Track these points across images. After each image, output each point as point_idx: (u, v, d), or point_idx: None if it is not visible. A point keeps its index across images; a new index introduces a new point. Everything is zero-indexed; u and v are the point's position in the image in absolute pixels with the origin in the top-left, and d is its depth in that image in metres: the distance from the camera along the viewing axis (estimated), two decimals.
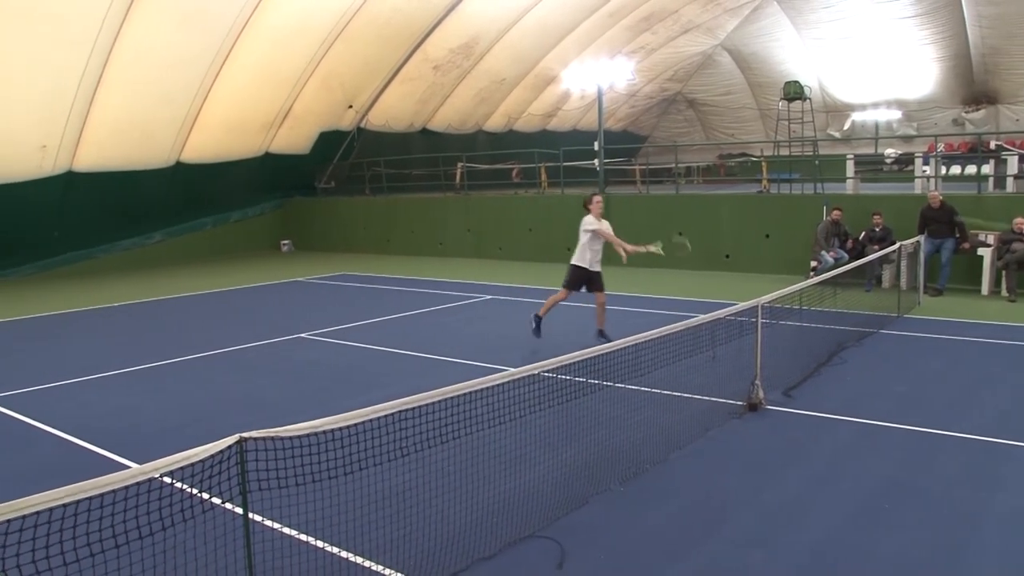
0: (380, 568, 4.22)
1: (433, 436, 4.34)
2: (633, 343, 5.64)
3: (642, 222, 16.81)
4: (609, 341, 6.18)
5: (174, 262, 21.09)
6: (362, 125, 25.60)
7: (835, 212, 13.88)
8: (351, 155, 25.62)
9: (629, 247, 9.55)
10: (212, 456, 3.27)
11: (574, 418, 6.18)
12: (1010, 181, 15.90)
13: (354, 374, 8.85)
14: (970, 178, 17.85)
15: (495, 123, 31.10)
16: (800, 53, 32.70)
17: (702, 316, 6.56)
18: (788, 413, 6.87)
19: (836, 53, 31.79)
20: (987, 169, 17.32)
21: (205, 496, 3.43)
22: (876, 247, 12.81)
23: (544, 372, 4.90)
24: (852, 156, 18.85)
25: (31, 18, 14.73)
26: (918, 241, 12.36)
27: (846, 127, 33.95)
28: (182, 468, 3.15)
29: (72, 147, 17.83)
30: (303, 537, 4.50)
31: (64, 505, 2.79)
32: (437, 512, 4.78)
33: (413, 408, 4.05)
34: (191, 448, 3.21)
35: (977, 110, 31.07)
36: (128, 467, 4.41)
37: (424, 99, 26.50)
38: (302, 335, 10.94)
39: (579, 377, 5.56)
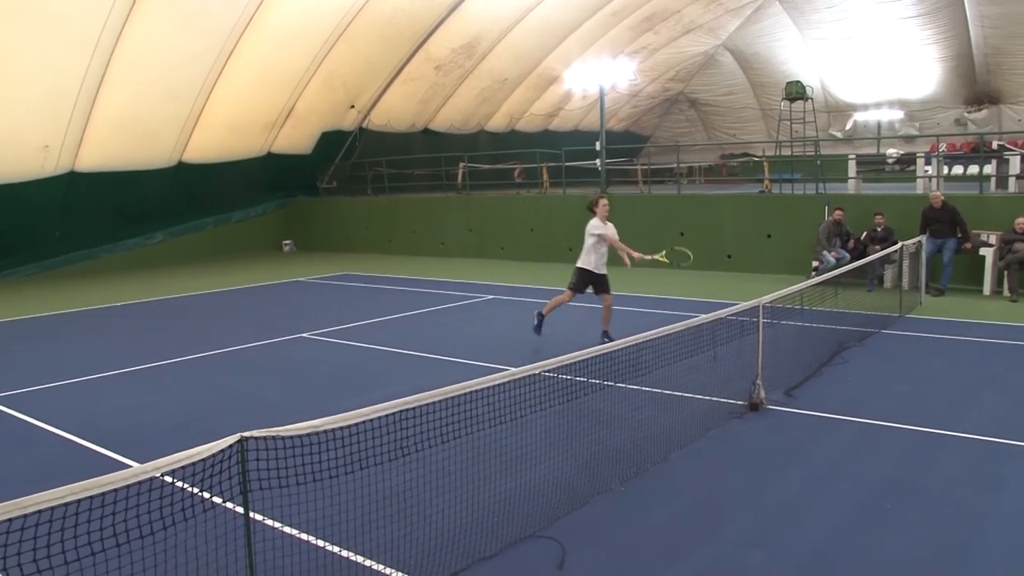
0: (381, 567, 4.22)
1: (434, 436, 4.34)
2: (634, 343, 5.64)
3: (644, 222, 16.81)
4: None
5: (176, 262, 21.12)
6: (364, 125, 25.61)
7: (837, 212, 13.87)
8: (353, 155, 25.63)
9: (635, 254, 9.53)
10: (213, 455, 3.27)
11: (575, 418, 6.18)
12: (1012, 181, 15.88)
13: (355, 374, 8.85)
14: (972, 178, 17.84)
15: (497, 123, 31.11)
16: (802, 53, 32.68)
17: (703, 316, 6.56)
18: (789, 413, 6.87)
19: (838, 53, 31.76)
20: (989, 169, 17.31)
21: (206, 495, 3.43)
22: (878, 247, 12.80)
23: (545, 372, 4.90)
24: (854, 156, 18.85)
25: (33, 18, 14.75)
26: (920, 241, 12.35)
27: (848, 127, 33.92)
28: (183, 467, 3.16)
29: (74, 147, 17.86)
30: (304, 536, 4.51)
31: (65, 504, 2.80)
32: (438, 512, 4.78)
33: (414, 408, 4.05)
34: (192, 447, 3.22)
35: (979, 110, 31.04)
36: (129, 466, 4.40)
37: (426, 99, 26.51)
38: (303, 335, 10.95)
39: (580, 377, 5.56)
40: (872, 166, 24.78)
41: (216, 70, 18.77)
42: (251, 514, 3.54)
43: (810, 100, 25.94)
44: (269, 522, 4.60)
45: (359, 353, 9.84)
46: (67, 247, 19.62)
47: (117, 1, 15.32)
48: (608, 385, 6.05)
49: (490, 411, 4.64)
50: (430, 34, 23.24)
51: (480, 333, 10.96)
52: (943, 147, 20.45)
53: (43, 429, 6.98)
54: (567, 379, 5.36)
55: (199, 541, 3.89)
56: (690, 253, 10.41)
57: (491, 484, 5.09)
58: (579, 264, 9.64)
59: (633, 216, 16.80)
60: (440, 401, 4.20)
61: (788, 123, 25.13)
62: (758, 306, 7.01)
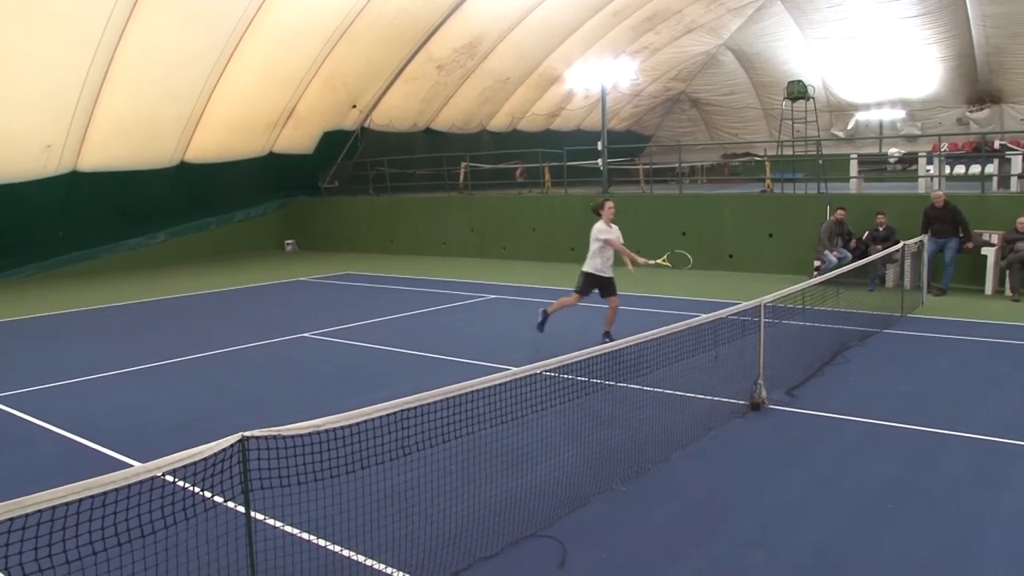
0: (382, 567, 4.22)
1: (435, 435, 4.34)
2: (636, 342, 5.64)
3: (645, 222, 16.82)
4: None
5: (178, 262, 21.14)
6: (366, 125, 25.61)
7: (839, 212, 13.86)
8: (355, 155, 25.63)
9: (640, 260, 9.51)
10: (214, 455, 3.27)
11: (576, 417, 6.17)
12: (1014, 181, 15.85)
13: (356, 373, 8.85)
14: (974, 178, 17.82)
15: (499, 123, 31.11)
16: (804, 53, 32.65)
17: (705, 315, 6.55)
18: (791, 413, 6.86)
19: (840, 53, 31.74)
20: (991, 169, 17.28)
21: (207, 495, 3.43)
22: (880, 247, 12.79)
23: (546, 372, 4.90)
24: (856, 156, 18.83)
25: (35, 17, 14.76)
26: (921, 241, 12.33)
27: (850, 127, 33.88)
28: (184, 467, 3.16)
29: (76, 147, 17.87)
30: (305, 536, 4.51)
31: (67, 503, 2.80)
32: (439, 511, 4.78)
33: (415, 407, 4.05)
34: (193, 447, 3.22)
35: (981, 109, 30.99)
36: (130, 466, 4.41)
37: (428, 99, 26.51)
38: (305, 335, 10.95)
39: (581, 376, 5.56)
40: (874, 166, 24.75)
41: (218, 70, 18.78)
42: (252, 514, 3.54)
43: (812, 100, 25.95)
44: (270, 522, 4.60)
45: (360, 353, 9.84)
46: (69, 247, 19.64)
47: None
48: (609, 385, 6.05)
49: (491, 411, 4.64)
50: (432, 34, 23.24)
51: (481, 333, 10.96)
52: (945, 147, 20.42)
53: (44, 429, 6.99)
54: (568, 379, 5.35)
55: (200, 541, 3.89)
56: (691, 257, 10.43)
57: (492, 484, 5.09)
58: (585, 268, 9.59)
59: (635, 216, 16.79)
60: (441, 401, 4.20)
61: (790, 123, 25.13)
62: (760, 306, 7.00)
